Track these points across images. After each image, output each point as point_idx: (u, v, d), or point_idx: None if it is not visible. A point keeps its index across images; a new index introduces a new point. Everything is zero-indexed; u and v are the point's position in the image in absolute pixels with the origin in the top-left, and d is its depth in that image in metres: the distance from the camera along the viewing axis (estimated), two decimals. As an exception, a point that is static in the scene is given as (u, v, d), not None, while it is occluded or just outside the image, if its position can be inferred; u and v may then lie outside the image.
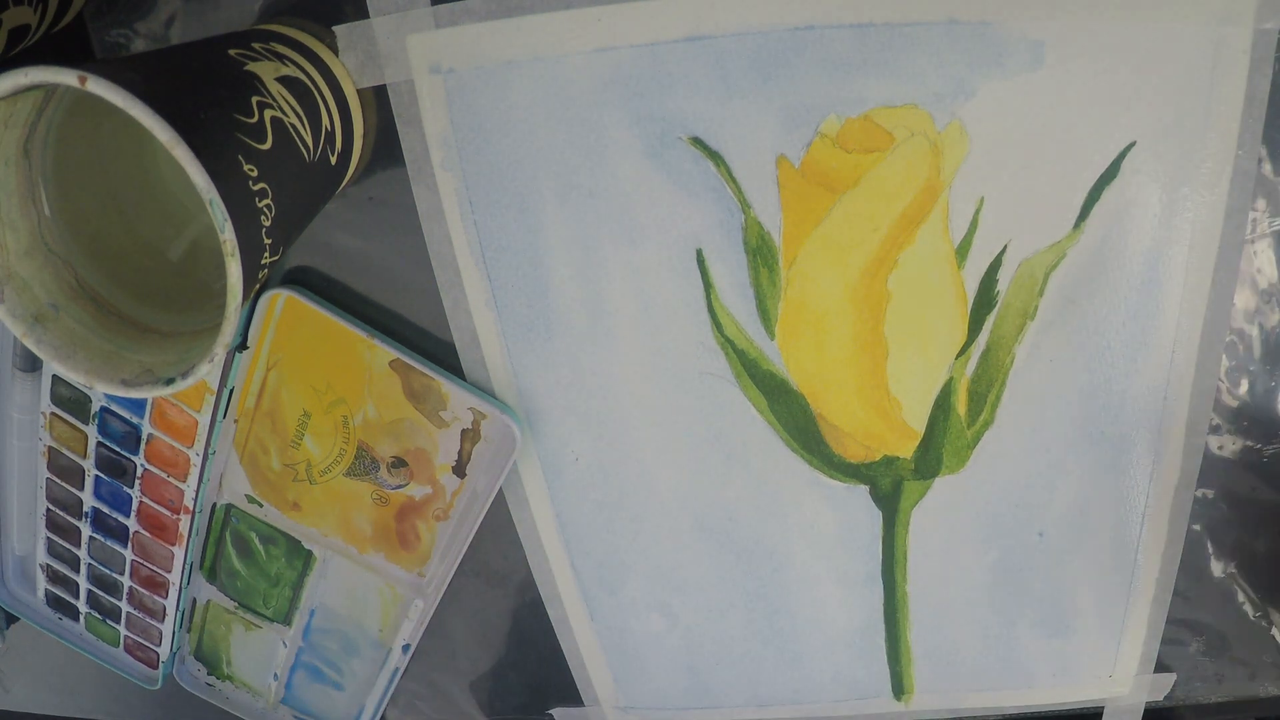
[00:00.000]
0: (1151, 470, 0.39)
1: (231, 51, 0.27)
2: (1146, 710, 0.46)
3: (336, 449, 0.41)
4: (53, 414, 0.41)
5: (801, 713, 0.47)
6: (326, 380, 0.39)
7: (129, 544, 0.44)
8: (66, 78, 0.22)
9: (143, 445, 0.41)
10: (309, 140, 0.29)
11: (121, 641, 0.48)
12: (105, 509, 0.43)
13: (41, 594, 0.48)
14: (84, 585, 0.47)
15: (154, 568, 0.45)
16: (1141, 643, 0.43)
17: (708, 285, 0.37)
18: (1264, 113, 0.33)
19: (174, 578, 0.45)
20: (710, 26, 0.32)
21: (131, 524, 0.43)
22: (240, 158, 0.24)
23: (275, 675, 0.48)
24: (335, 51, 0.33)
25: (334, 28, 0.33)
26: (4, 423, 0.42)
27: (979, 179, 0.34)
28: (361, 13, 0.33)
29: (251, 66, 0.27)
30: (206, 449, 0.40)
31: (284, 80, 0.28)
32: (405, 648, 0.45)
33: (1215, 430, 0.38)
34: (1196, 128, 0.33)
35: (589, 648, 0.46)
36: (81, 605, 0.48)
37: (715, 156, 0.34)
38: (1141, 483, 0.39)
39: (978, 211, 0.35)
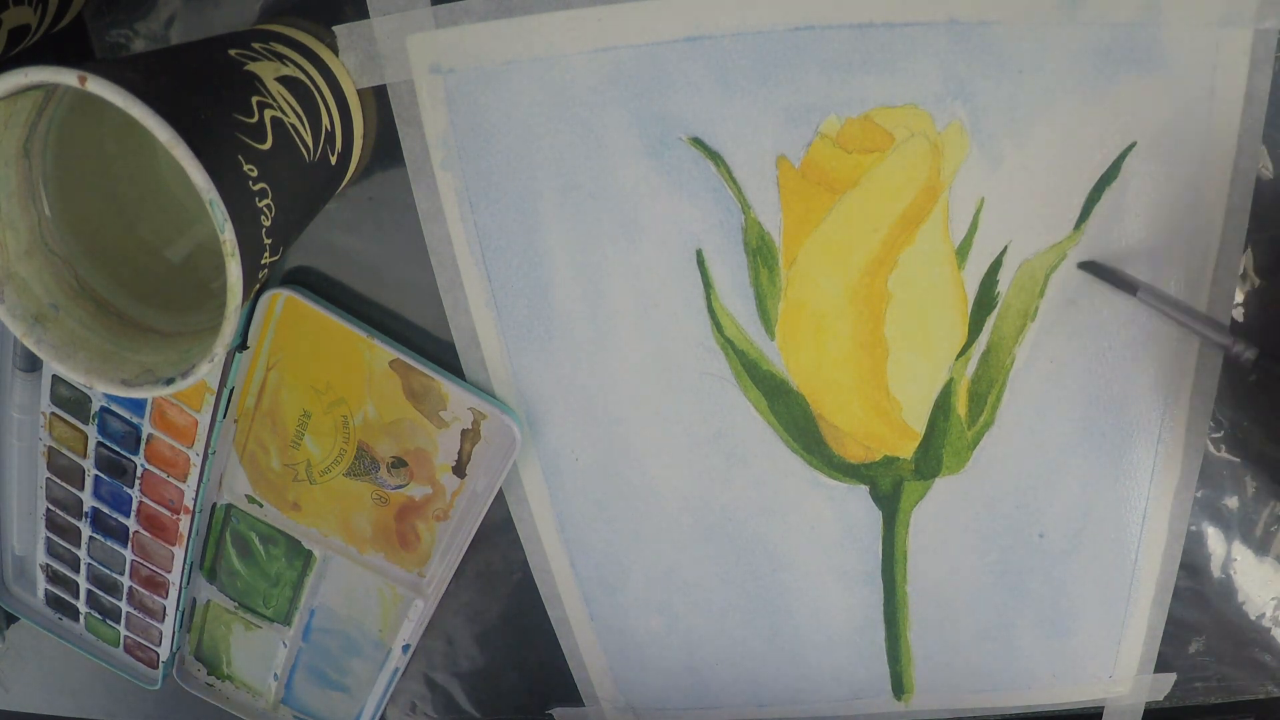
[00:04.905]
0: (1151, 470, 0.39)
1: (231, 51, 0.27)
2: (1146, 710, 0.46)
3: (336, 449, 0.41)
4: (53, 414, 0.41)
5: (801, 712, 0.47)
6: (326, 380, 0.39)
7: (129, 544, 0.44)
8: (66, 78, 0.22)
9: (143, 445, 0.41)
10: (309, 140, 0.29)
11: (121, 641, 0.48)
12: (105, 509, 0.43)
13: (41, 594, 0.48)
14: (84, 585, 0.47)
15: (154, 568, 0.45)
16: (1141, 643, 0.43)
17: (708, 286, 0.37)
18: (1264, 113, 0.33)
19: (174, 578, 0.45)
20: (710, 26, 0.32)
21: (131, 524, 0.43)
22: (240, 158, 0.24)
23: (275, 675, 0.48)
24: (335, 51, 0.33)
25: (334, 28, 0.33)
26: (4, 423, 0.42)
27: (979, 179, 0.34)
28: (361, 13, 0.33)
29: (251, 66, 0.27)
30: (206, 449, 0.40)
31: (284, 80, 0.28)
32: (405, 648, 0.45)
33: (1215, 430, 0.38)
34: (1196, 128, 0.33)
35: (589, 648, 0.46)
36: (81, 605, 0.48)
37: (715, 156, 0.34)
38: (1141, 483, 0.39)
39: (978, 212, 0.35)
